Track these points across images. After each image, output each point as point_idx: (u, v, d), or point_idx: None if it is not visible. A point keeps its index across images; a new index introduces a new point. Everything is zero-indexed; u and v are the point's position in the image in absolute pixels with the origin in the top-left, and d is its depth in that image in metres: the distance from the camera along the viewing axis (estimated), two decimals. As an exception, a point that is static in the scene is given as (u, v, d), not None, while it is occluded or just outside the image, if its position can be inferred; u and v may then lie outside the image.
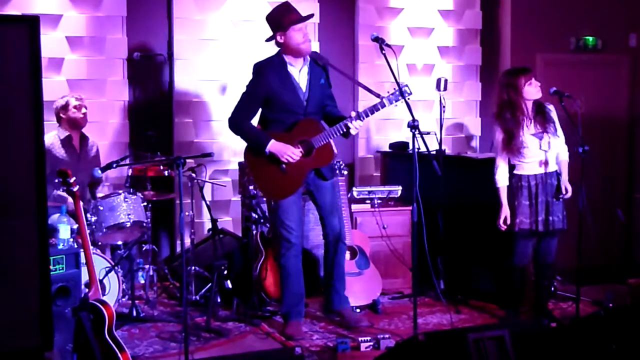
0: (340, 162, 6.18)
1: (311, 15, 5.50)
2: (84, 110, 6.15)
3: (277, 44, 5.47)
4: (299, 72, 5.47)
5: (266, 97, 5.42)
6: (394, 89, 5.31)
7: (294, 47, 5.37)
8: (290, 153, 5.35)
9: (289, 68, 5.44)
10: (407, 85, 5.34)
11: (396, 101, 5.32)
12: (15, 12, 6.50)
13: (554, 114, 5.67)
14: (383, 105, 5.32)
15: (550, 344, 4.27)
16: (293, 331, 5.50)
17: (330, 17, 7.60)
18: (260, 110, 5.53)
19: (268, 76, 5.41)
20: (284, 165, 5.39)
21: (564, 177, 5.66)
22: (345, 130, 5.36)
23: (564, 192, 5.61)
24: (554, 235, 5.68)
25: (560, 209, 5.63)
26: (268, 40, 5.54)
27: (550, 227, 5.58)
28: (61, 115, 6.12)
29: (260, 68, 5.49)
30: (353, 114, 5.34)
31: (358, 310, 6.04)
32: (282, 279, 5.64)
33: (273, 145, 5.35)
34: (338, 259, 5.74)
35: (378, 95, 5.35)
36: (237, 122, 5.45)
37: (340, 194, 5.94)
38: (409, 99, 5.28)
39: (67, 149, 6.10)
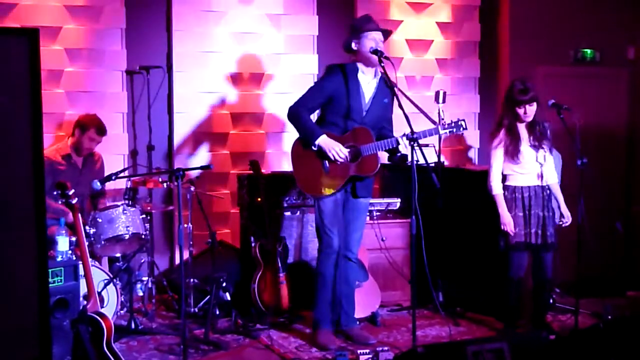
0: None
1: (389, 32, 5.60)
2: (94, 144, 6.20)
3: (352, 51, 5.55)
4: (368, 83, 5.54)
5: (331, 97, 5.49)
6: (452, 120, 5.41)
7: (364, 54, 5.44)
8: (338, 150, 5.38)
9: (359, 75, 5.52)
10: (464, 120, 5.41)
11: (450, 132, 5.41)
12: (14, 24, 6.51)
13: (549, 132, 5.69)
14: (437, 132, 5.38)
15: (549, 356, 4.27)
16: (326, 340, 5.50)
17: (329, 29, 7.62)
18: (319, 111, 5.63)
19: (338, 77, 5.50)
20: (327, 163, 5.43)
21: (561, 202, 5.72)
22: (395, 145, 5.40)
23: (564, 219, 5.67)
24: (549, 250, 5.69)
25: (553, 224, 5.64)
26: (344, 47, 5.63)
27: (542, 240, 5.59)
28: (76, 130, 6.13)
29: (333, 68, 5.60)
30: (407, 132, 5.31)
31: (358, 322, 6.03)
32: (318, 286, 5.63)
33: (323, 140, 5.39)
34: (346, 276, 5.74)
35: (434, 122, 5.42)
36: (297, 111, 5.49)
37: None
38: (462, 133, 5.39)
39: (68, 164, 6.12)
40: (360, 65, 5.53)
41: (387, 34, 5.59)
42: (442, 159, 7.78)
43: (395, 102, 5.13)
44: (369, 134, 5.47)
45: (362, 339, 5.64)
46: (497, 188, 5.67)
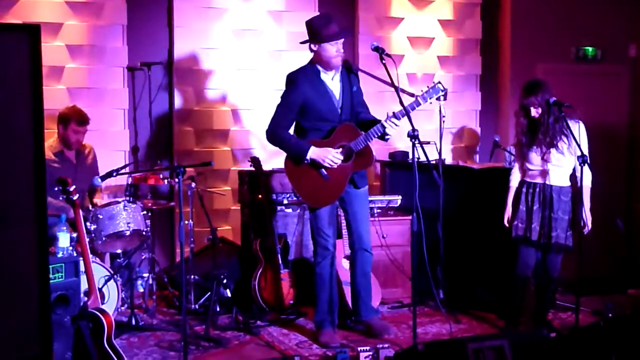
0: None
1: (350, 32, 5.50)
2: (81, 136, 6.09)
3: (310, 50, 5.44)
4: (332, 80, 5.47)
5: (302, 106, 5.40)
6: (428, 87, 5.36)
7: (325, 59, 5.36)
8: (332, 157, 5.33)
9: (322, 76, 5.44)
10: (440, 83, 5.39)
11: (430, 98, 5.35)
12: (16, 20, 6.52)
13: (579, 133, 5.52)
14: (418, 104, 5.33)
15: (549, 354, 4.27)
16: (328, 339, 5.50)
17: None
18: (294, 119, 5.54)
19: (302, 85, 5.39)
20: (324, 171, 5.38)
21: (586, 206, 5.58)
22: (382, 131, 5.34)
23: (586, 225, 5.57)
24: (559, 252, 5.67)
25: (564, 227, 5.60)
26: (302, 43, 5.53)
27: (543, 239, 5.57)
28: (59, 126, 6.08)
29: (293, 77, 5.46)
30: (389, 114, 5.31)
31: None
32: (317, 287, 5.60)
33: (313, 152, 5.33)
34: (364, 268, 5.71)
35: (412, 95, 5.38)
36: (275, 133, 5.42)
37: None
38: (441, 95, 5.36)
39: (62, 161, 6.07)
40: (319, 67, 5.44)
41: (348, 34, 5.47)
42: (448, 155, 7.82)
43: (397, 99, 5.10)
44: (352, 128, 5.44)
45: (382, 329, 5.66)
46: (511, 181, 5.78)
